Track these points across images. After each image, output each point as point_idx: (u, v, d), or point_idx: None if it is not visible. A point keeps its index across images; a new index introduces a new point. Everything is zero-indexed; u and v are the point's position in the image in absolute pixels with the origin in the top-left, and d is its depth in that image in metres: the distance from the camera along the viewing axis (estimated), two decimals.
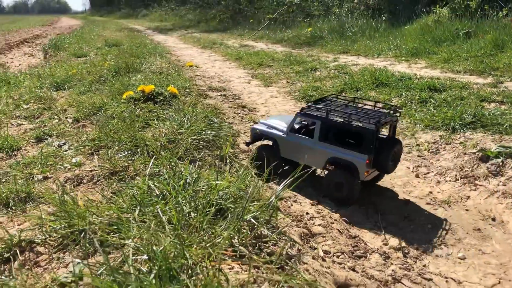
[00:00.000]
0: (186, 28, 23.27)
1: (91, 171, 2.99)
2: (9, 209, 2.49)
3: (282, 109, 5.34)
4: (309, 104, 3.24)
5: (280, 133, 3.35)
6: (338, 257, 2.47)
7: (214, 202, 2.14)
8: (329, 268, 2.24)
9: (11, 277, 1.87)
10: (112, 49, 11.45)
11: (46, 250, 2.08)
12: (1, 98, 5.92)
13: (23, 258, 2.03)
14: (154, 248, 1.69)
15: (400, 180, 3.62)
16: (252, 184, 2.28)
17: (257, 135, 3.50)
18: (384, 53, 8.88)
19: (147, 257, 1.71)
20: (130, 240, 1.87)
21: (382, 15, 12.52)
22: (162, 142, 3.19)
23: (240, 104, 5.67)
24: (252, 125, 3.87)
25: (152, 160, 2.75)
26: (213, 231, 1.91)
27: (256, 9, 19.48)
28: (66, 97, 5.29)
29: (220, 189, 2.23)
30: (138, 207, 2.15)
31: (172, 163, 2.80)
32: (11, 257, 2.03)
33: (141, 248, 1.76)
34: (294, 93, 6.06)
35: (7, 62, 13.26)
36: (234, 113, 5.18)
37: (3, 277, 1.86)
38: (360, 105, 3.37)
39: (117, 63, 6.89)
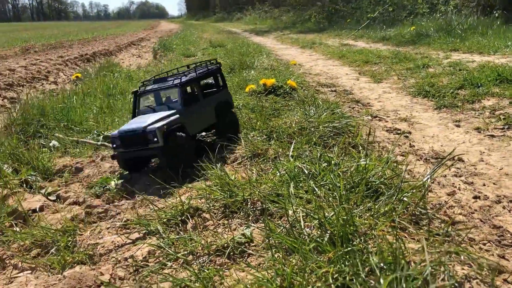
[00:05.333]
0: (281, 29, 23.62)
1: (232, 152, 3.24)
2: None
3: (398, 104, 5.30)
4: None
5: None
6: (484, 244, 2.44)
7: (364, 182, 2.24)
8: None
9: (188, 236, 2.12)
10: (218, 49, 12.03)
11: (211, 216, 2.32)
12: (129, 91, 6.52)
13: (193, 222, 2.28)
14: (326, 213, 1.83)
15: None
16: (403, 166, 2.35)
17: None
18: (500, 50, 8.38)
19: (318, 222, 1.86)
20: (294, 208, 2.03)
21: (495, 12, 11.78)
22: (295, 129, 3.36)
23: (353, 99, 5.70)
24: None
25: (292, 144, 2.92)
26: (372, 206, 2.01)
27: (354, 8, 19.26)
28: None
29: (370, 170, 2.32)
30: (292, 183, 2.32)
31: (311, 147, 2.95)
32: (184, 220, 2.30)
33: (312, 214, 1.91)
34: (408, 89, 5.96)
35: (119, 63, 14.45)
36: (349, 107, 5.24)
37: (184, 235, 2.12)
38: None
39: (231, 61, 7.25)
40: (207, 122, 3.40)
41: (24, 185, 3.19)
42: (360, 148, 3.25)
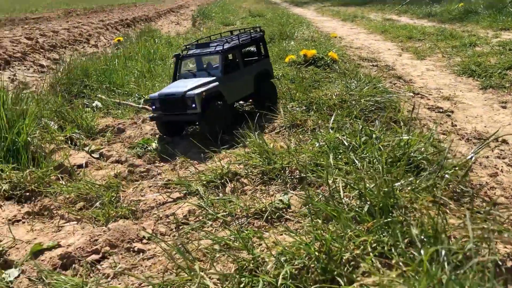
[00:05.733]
0: (322, 1, 23.10)
1: (271, 122, 3.25)
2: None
3: (442, 82, 5.15)
4: None
5: None
6: None
7: (406, 157, 2.22)
8: None
9: (227, 198, 2.17)
10: (257, 19, 11.90)
11: (249, 182, 2.36)
12: (169, 56, 6.57)
13: (232, 185, 2.32)
14: (367, 184, 1.83)
15: None
16: (445, 144, 2.31)
17: None
18: None
19: (358, 193, 1.86)
20: (334, 178, 2.03)
21: None
22: (336, 102, 3.32)
23: (394, 74, 5.58)
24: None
25: (333, 117, 2.90)
26: (414, 181, 1.99)
27: None
28: None
29: (412, 145, 2.29)
30: (331, 154, 2.32)
31: (352, 120, 2.93)
32: (223, 183, 2.34)
33: (352, 185, 1.91)
34: (453, 67, 5.77)
35: (158, 29, 14.52)
36: (390, 83, 5.13)
37: (224, 196, 2.17)
38: None
39: (270, 31, 7.17)
40: (246, 91, 3.40)
41: (69, 142, 3.31)
42: (402, 124, 3.20)
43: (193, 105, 2.95)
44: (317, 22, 12.99)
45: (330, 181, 2.04)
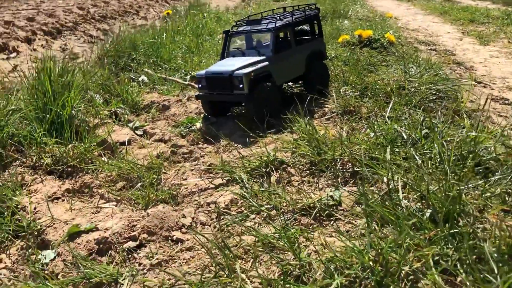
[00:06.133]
0: None
1: (321, 107, 3.06)
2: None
3: (507, 71, 4.74)
4: None
5: None
6: None
7: (473, 156, 1.99)
8: None
9: (273, 189, 2.03)
10: None
11: (297, 172, 2.20)
12: (217, 32, 6.43)
13: (278, 175, 2.18)
14: (430, 187, 1.64)
15: None
16: None
17: None
18: None
19: (419, 195, 1.67)
20: (391, 176, 1.85)
21: None
22: (393, 88, 3.08)
23: (454, 60, 5.20)
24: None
25: (390, 105, 2.67)
26: (482, 185, 1.78)
27: None
28: None
29: (479, 142, 2.05)
30: (389, 148, 2.11)
31: (411, 110, 2.70)
32: (268, 172, 2.20)
33: (413, 185, 1.72)
34: None
35: (207, 3, 14.36)
36: (450, 69, 4.78)
37: (269, 187, 2.03)
38: None
39: (323, 8, 6.87)
40: (297, 72, 3.21)
41: (113, 116, 3.26)
42: (464, 115, 2.93)
43: (240, 86, 2.80)
44: (372, 0, 12.45)
45: (386, 179, 1.86)
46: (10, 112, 2.60)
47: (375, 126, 2.40)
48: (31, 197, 2.14)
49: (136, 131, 3.05)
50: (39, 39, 8.15)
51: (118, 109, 3.34)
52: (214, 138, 2.82)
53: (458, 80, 3.55)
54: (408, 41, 5.94)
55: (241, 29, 3.18)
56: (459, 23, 7.93)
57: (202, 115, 3.22)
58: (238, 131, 2.83)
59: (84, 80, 3.47)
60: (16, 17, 8.94)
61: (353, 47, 4.40)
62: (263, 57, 2.97)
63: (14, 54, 7.14)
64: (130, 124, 3.12)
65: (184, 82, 4.00)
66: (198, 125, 3.06)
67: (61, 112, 2.77)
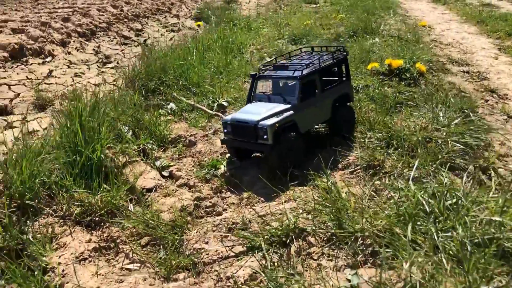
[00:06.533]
0: None
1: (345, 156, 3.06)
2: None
3: None
4: None
5: None
6: None
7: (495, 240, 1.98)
8: None
9: (290, 264, 2.07)
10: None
11: (316, 241, 2.23)
12: (247, 46, 6.45)
13: (297, 245, 2.21)
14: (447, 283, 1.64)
15: None
16: None
17: None
18: None
19: None
20: (410, 263, 1.86)
21: None
22: (419, 138, 3.05)
23: (487, 87, 5.05)
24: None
25: (416, 163, 2.65)
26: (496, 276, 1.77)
27: None
28: None
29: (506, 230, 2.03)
30: (410, 224, 2.12)
31: (436, 171, 2.67)
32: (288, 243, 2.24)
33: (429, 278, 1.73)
34: None
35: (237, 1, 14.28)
36: (482, 99, 4.65)
37: (287, 267, 2.07)
38: None
39: (355, 19, 6.78)
40: (322, 118, 3.22)
41: (141, 154, 3.35)
42: (494, 176, 2.87)
43: (265, 136, 2.84)
44: (405, 2, 12.14)
45: (405, 265, 1.88)
46: (43, 160, 2.71)
47: (398, 192, 2.39)
48: (59, 256, 2.24)
49: (162, 172, 3.13)
50: (74, 41, 8.32)
51: (147, 145, 3.42)
52: (236, 188, 2.87)
53: (488, 129, 3.45)
54: (440, 60, 5.79)
55: (267, 73, 3.20)
56: (496, 36, 7.66)
57: (226, 156, 3.27)
58: (260, 182, 2.87)
59: (115, 113, 3.57)
60: (52, 17, 9.13)
61: (382, 76, 4.35)
62: (289, 105, 2.98)
63: (49, 58, 7.31)
64: (158, 163, 3.20)
65: (210, 111, 4.05)
66: (223, 168, 3.11)
67: (91, 156, 2.86)
